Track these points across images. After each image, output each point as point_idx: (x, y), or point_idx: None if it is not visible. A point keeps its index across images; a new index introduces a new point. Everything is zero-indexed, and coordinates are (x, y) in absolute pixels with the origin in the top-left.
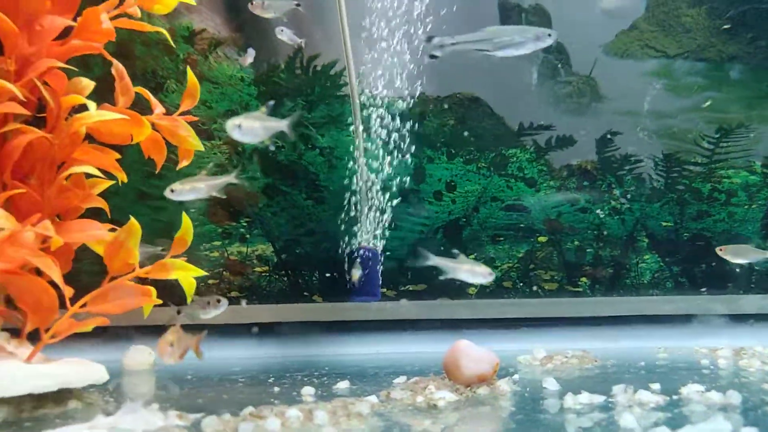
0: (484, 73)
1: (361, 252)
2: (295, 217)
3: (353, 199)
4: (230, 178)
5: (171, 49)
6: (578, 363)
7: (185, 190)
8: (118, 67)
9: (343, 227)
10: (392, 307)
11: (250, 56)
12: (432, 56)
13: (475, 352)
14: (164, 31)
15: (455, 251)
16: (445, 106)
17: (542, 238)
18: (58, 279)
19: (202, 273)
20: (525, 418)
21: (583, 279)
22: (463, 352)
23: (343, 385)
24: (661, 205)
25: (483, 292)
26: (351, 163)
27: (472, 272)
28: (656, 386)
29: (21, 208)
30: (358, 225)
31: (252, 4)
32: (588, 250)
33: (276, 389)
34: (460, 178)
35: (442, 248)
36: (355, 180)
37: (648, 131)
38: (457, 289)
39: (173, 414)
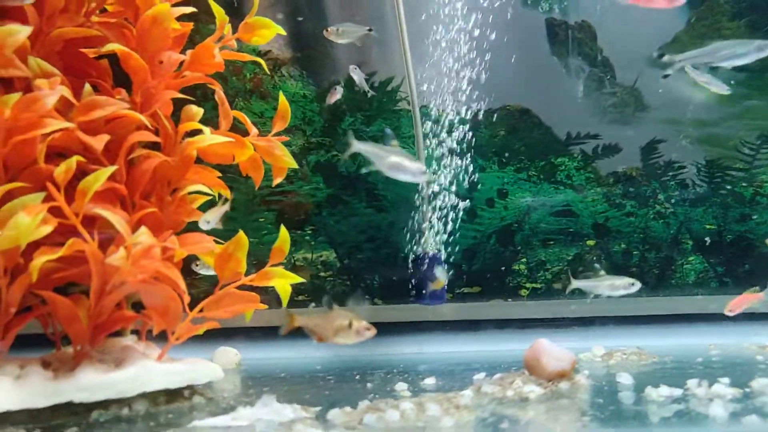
0: (534, 86)
1: (428, 258)
2: (356, 225)
3: (412, 207)
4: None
5: (239, 69)
6: (638, 359)
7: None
8: (219, 94)
9: (401, 234)
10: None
11: (338, 93)
12: (665, 76)
13: (554, 350)
14: (261, 60)
15: (597, 266)
16: (496, 118)
17: (590, 242)
18: (182, 287)
19: (300, 279)
20: (616, 408)
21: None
22: (543, 350)
23: (429, 381)
24: (705, 209)
25: (534, 294)
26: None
27: (613, 286)
28: (725, 380)
29: (146, 225)
30: (418, 232)
31: (327, 30)
32: (634, 253)
33: (369, 385)
34: (512, 186)
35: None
36: (416, 189)
37: (691, 139)
38: (510, 291)
39: (297, 407)
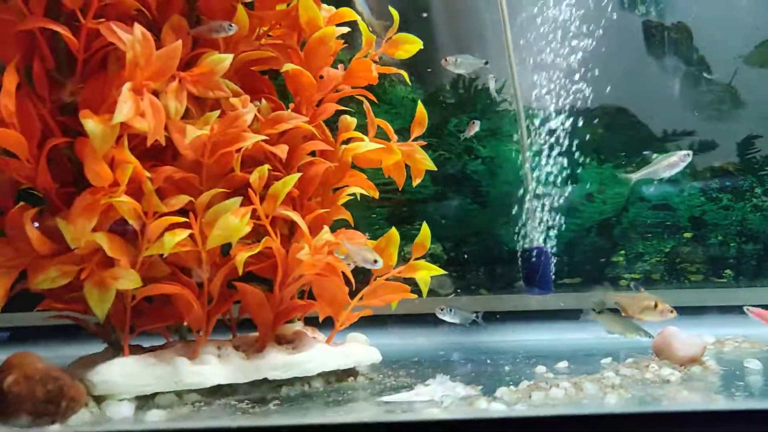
0: (630, 85)
1: (535, 251)
2: (461, 220)
3: (515, 202)
4: None
5: None
6: (750, 347)
7: None
8: (366, 105)
9: (504, 228)
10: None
11: (476, 126)
12: None
13: (685, 336)
14: (404, 73)
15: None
16: (595, 117)
17: (687, 234)
18: (350, 278)
19: (441, 271)
20: (761, 388)
21: (728, 271)
22: (673, 336)
23: (562, 364)
24: None
25: (634, 285)
26: (510, 171)
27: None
28: None
29: (312, 224)
30: (523, 226)
31: (445, 60)
32: (731, 245)
33: (507, 368)
34: (609, 182)
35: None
36: (517, 185)
37: None
38: (610, 281)
39: (465, 386)
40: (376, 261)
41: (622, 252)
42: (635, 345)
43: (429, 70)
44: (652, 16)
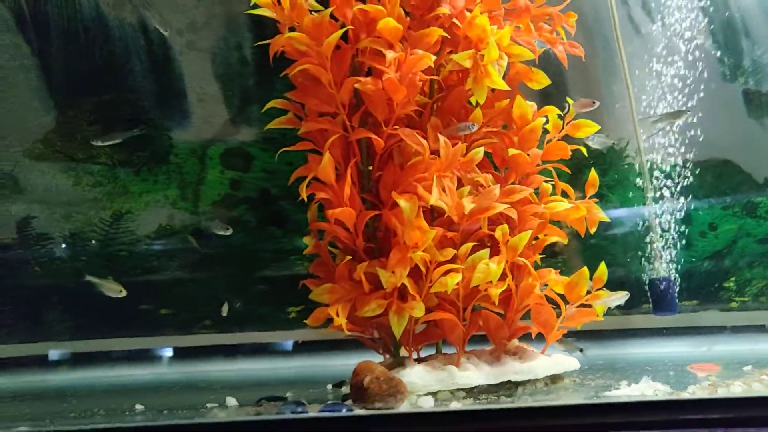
0: (734, 141)
1: (664, 280)
2: (597, 254)
3: (640, 238)
4: None
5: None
6: None
7: None
8: (554, 175)
9: (630, 260)
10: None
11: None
12: None
13: None
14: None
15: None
16: (706, 168)
17: None
18: (561, 306)
19: (622, 294)
20: None
21: None
22: None
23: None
24: None
25: (743, 305)
26: (636, 212)
27: None
28: None
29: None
30: (650, 258)
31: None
32: None
33: (672, 373)
34: (720, 221)
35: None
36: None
37: None
38: (724, 302)
39: (660, 384)
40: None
41: (733, 279)
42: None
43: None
44: (751, 85)
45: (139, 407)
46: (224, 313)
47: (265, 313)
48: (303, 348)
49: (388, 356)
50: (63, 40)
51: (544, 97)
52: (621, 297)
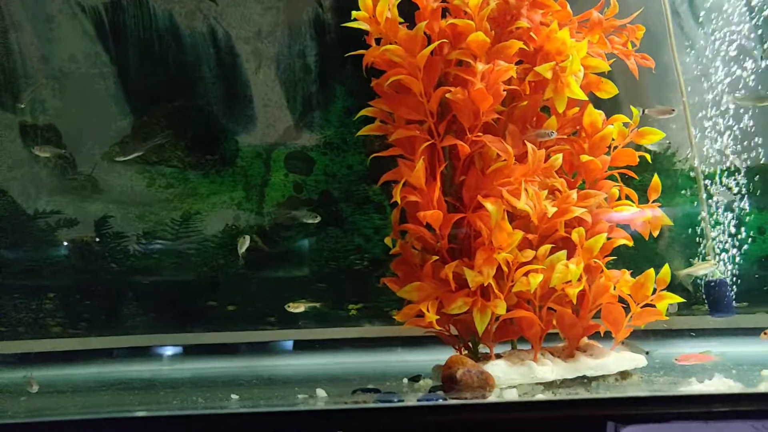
0: None
1: (719, 282)
2: (650, 257)
3: (694, 243)
4: None
5: None
6: None
7: None
8: (619, 180)
9: (685, 262)
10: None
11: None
12: None
13: None
14: (647, 155)
15: None
16: (755, 174)
17: None
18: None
19: (679, 299)
20: None
21: None
22: None
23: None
24: None
25: None
26: (688, 217)
27: None
28: None
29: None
30: (707, 261)
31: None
32: None
33: (734, 371)
34: None
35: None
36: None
37: None
38: None
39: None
40: None
41: None
42: None
43: None
44: None
45: (234, 397)
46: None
47: (324, 311)
48: (349, 344)
49: (465, 351)
50: (138, 49)
51: (597, 103)
52: (707, 267)
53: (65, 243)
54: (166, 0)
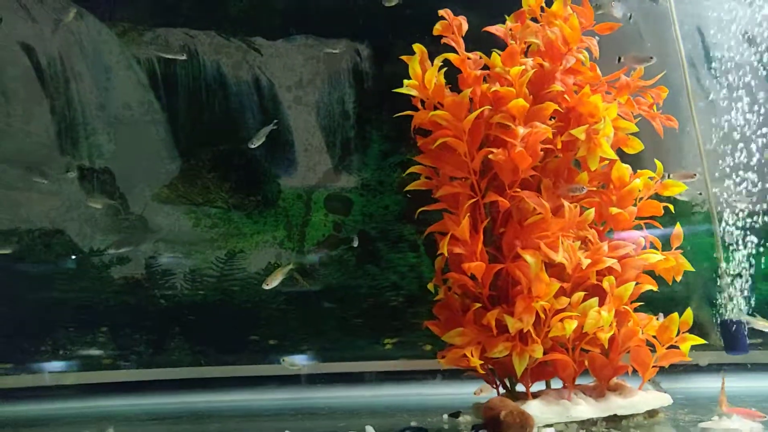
0: None
1: (735, 322)
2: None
3: (710, 282)
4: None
5: None
6: None
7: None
8: (645, 231)
9: (701, 301)
10: None
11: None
12: None
13: None
14: (670, 207)
15: None
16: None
17: None
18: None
19: (701, 341)
20: None
21: None
22: None
23: None
24: None
25: None
26: (704, 257)
27: None
28: None
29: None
30: (719, 302)
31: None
32: None
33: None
34: None
35: None
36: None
37: None
38: None
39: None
40: None
41: None
42: None
43: None
44: None
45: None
46: None
47: (361, 345)
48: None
49: (502, 390)
50: (188, 97)
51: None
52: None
53: (117, 279)
54: (215, 51)
